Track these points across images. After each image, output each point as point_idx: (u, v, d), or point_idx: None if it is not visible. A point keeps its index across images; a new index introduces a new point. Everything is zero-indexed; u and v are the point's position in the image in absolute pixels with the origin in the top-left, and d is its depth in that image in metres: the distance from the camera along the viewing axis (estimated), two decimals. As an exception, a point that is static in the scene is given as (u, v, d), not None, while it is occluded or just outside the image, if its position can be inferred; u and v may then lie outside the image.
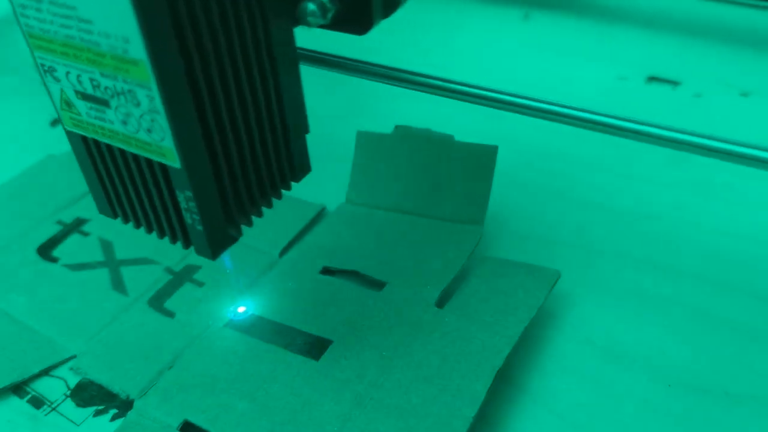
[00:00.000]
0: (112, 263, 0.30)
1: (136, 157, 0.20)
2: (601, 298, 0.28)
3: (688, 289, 0.28)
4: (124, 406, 0.25)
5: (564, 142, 0.36)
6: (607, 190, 0.33)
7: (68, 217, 0.33)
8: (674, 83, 0.40)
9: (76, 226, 0.32)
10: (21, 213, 0.33)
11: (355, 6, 0.21)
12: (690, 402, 0.24)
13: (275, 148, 0.22)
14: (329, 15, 0.21)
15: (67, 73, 0.19)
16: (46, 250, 0.31)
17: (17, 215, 0.33)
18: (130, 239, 0.31)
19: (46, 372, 0.26)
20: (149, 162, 0.20)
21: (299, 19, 0.21)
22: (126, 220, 0.22)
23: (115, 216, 0.23)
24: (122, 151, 0.20)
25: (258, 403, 0.24)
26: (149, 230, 0.22)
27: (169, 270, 0.30)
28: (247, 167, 0.21)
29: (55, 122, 0.41)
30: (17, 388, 0.26)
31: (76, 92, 0.19)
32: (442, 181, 0.30)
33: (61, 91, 0.20)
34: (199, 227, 0.20)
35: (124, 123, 0.19)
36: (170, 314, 0.28)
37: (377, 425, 0.23)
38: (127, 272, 0.30)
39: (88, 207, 0.33)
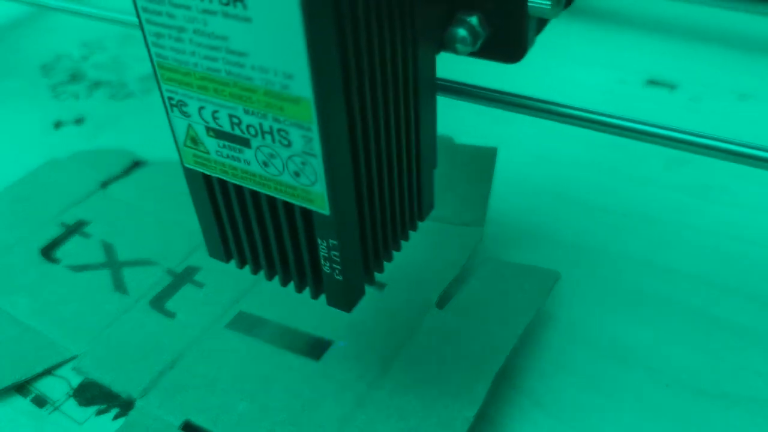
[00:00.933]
0: (113, 265, 0.31)
1: (272, 200, 0.18)
2: (600, 300, 0.28)
3: (687, 291, 0.28)
4: (126, 405, 0.25)
5: (563, 145, 0.36)
6: (607, 192, 0.33)
7: (70, 219, 0.33)
8: (672, 86, 0.41)
9: (78, 228, 0.33)
10: (23, 215, 0.33)
11: (508, 31, 0.19)
12: (688, 403, 0.24)
13: (410, 188, 0.20)
14: (479, 42, 0.19)
15: (201, 108, 0.17)
16: (48, 252, 0.31)
17: (20, 217, 0.33)
18: (131, 241, 0.32)
19: (48, 372, 0.27)
20: (288, 206, 0.18)
21: (445, 46, 0.19)
22: (241, 265, 0.21)
23: (228, 260, 0.21)
24: (254, 194, 0.19)
25: (259, 403, 0.24)
26: (270, 277, 0.21)
27: (170, 271, 0.30)
28: (386, 212, 0.20)
29: (57, 125, 0.41)
30: (20, 388, 0.26)
31: (208, 129, 0.18)
32: (442, 182, 0.30)
33: (189, 127, 0.18)
34: (339, 277, 0.19)
35: (265, 164, 0.17)
36: (171, 315, 0.28)
37: (378, 426, 0.23)
38: (128, 273, 0.30)
39: (89, 209, 0.33)
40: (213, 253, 0.21)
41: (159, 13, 0.16)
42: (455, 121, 0.32)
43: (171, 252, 0.31)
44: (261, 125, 0.17)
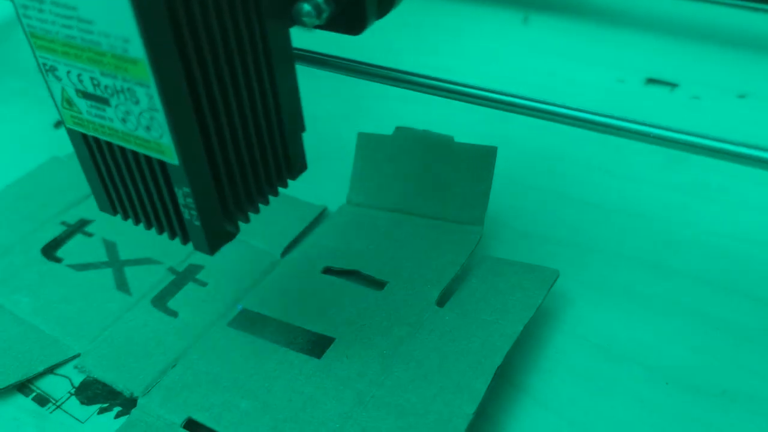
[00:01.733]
0: (115, 263, 0.31)
1: (135, 154, 0.20)
2: (599, 298, 0.28)
3: (684, 289, 0.28)
4: (128, 404, 0.25)
5: (563, 144, 0.36)
6: (605, 191, 0.33)
7: (72, 218, 0.33)
8: (672, 85, 0.41)
9: (80, 226, 0.33)
10: (25, 214, 0.34)
11: (350, 7, 0.21)
12: (686, 400, 0.24)
13: (271, 145, 0.22)
14: (324, 15, 0.21)
15: (68, 72, 0.19)
16: (50, 251, 0.32)
17: (22, 216, 0.33)
18: (134, 240, 0.32)
19: (50, 370, 0.27)
20: (148, 159, 0.20)
21: (295, 20, 0.21)
22: (125, 217, 0.23)
23: (114, 213, 0.23)
24: (122, 149, 0.21)
25: (260, 401, 0.24)
26: (148, 226, 0.23)
27: (172, 270, 0.30)
28: (243, 164, 0.21)
29: (58, 124, 0.41)
30: (22, 387, 0.26)
31: (77, 91, 0.20)
32: (442, 181, 0.30)
33: (63, 89, 0.20)
34: (197, 223, 0.20)
35: (124, 121, 0.19)
36: (173, 314, 0.28)
37: (378, 423, 0.23)
38: (130, 272, 0.30)
39: (91, 208, 0.34)
40: (102, 207, 0.23)
41: None
42: (455, 121, 0.32)
43: (173, 251, 0.31)
44: (115, 85, 0.19)
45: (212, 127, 0.20)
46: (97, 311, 0.28)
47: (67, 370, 0.27)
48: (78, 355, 0.27)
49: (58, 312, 0.29)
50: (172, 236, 0.22)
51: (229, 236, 0.22)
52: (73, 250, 0.32)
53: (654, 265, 0.29)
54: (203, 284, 0.29)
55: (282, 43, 0.21)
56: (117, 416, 0.25)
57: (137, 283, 0.30)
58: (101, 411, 0.25)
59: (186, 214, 0.21)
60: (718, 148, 0.20)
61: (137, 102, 0.19)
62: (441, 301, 0.27)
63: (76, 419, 0.25)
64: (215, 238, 0.21)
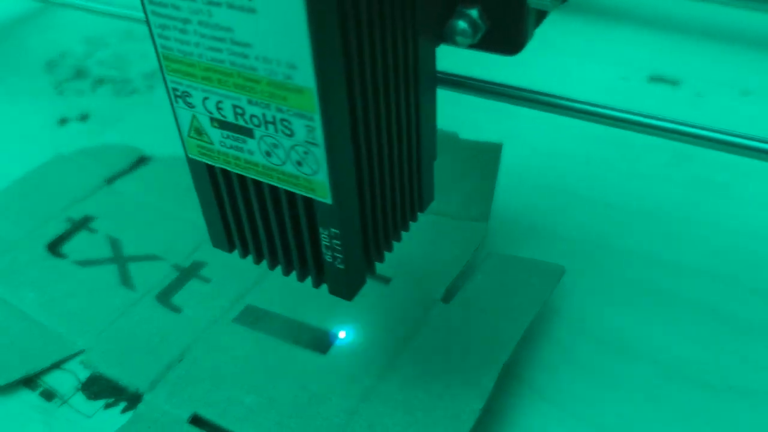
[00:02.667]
0: (120, 260, 0.31)
1: (274, 189, 0.19)
2: (605, 294, 0.28)
3: (691, 285, 0.28)
4: (134, 399, 0.25)
5: (567, 141, 0.36)
6: (611, 188, 0.33)
7: (76, 215, 0.33)
8: (675, 83, 0.41)
9: (84, 223, 0.33)
10: (30, 211, 0.34)
11: (507, 23, 0.20)
12: (694, 396, 0.24)
13: (410, 178, 0.21)
14: (479, 35, 0.19)
15: (205, 99, 0.18)
16: (55, 247, 0.32)
17: (26, 213, 0.33)
18: (138, 236, 0.32)
19: (56, 366, 0.27)
20: (290, 196, 0.18)
21: (446, 38, 0.20)
22: (244, 255, 0.21)
23: (231, 249, 0.21)
24: (257, 183, 0.19)
25: (266, 396, 0.24)
26: (272, 266, 0.21)
27: (176, 266, 0.30)
28: (387, 202, 0.20)
29: (63, 122, 0.41)
30: (29, 382, 0.26)
31: (212, 120, 0.18)
32: (448, 178, 0.30)
33: (193, 117, 0.18)
34: (341, 266, 0.19)
35: (268, 154, 0.17)
36: (178, 310, 0.28)
37: (385, 419, 0.23)
38: (134, 268, 0.30)
39: (96, 204, 0.34)
40: (216, 243, 0.21)
41: (164, 5, 0.17)
42: (460, 117, 0.32)
43: (177, 247, 0.31)
44: (264, 115, 0.17)
45: (365, 163, 0.18)
46: (102, 307, 0.28)
47: (73, 365, 0.27)
48: (83, 351, 0.27)
49: (63, 308, 0.29)
50: (303, 278, 0.20)
51: (365, 280, 0.20)
52: (78, 246, 0.32)
53: (660, 260, 0.29)
54: (207, 280, 0.29)
55: (429, 65, 0.20)
56: (123, 411, 0.25)
57: (141, 279, 0.30)
58: (107, 406, 0.25)
59: (328, 257, 0.19)
60: (726, 141, 0.20)
61: (291, 135, 0.17)
62: (447, 297, 0.27)
63: (83, 414, 0.25)
64: (355, 282, 0.20)
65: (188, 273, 0.30)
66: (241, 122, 0.17)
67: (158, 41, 0.17)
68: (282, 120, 0.17)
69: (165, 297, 0.29)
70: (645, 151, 0.35)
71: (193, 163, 0.19)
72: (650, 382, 0.25)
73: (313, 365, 0.25)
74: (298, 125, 0.16)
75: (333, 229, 0.18)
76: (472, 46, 0.20)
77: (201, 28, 0.16)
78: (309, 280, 0.21)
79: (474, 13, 0.20)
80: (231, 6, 0.15)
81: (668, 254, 0.30)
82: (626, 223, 0.31)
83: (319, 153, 0.17)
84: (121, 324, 0.28)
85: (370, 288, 0.28)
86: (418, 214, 0.22)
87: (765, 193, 0.33)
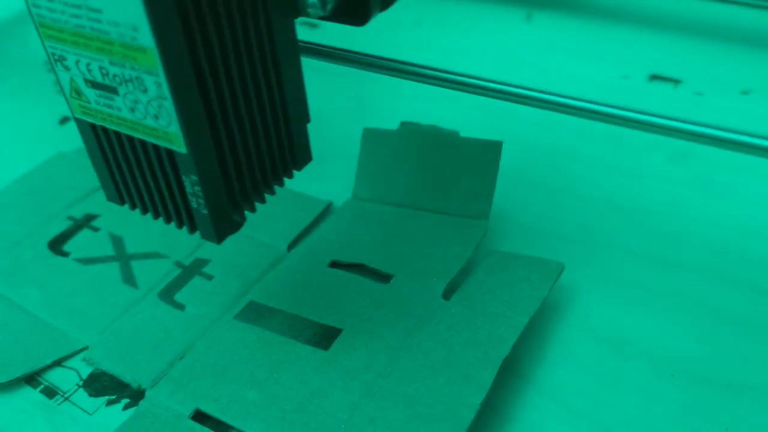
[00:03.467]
0: (122, 257, 0.31)
1: (143, 143, 0.21)
2: (604, 291, 0.28)
3: (689, 282, 0.28)
4: (136, 395, 0.25)
5: (568, 139, 0.36)
6: (610, 186, 0.34)
7: (78, 213, 0.33)
8: (676, 81, 0.41)
9: (87, 221, 0.33)
10: (32, 209, 0.34)
11: None
12: (692, 392, 0.24)
13: (277, 135, 0.23)
14: (329, 7, 0.21)
15: (77, 61, 0.20)
16: (57, 245, 0.32)
17: (29, 211, 0.34)
18: (140, 234, 0.32)
19: (58, 363, 0.27)
20: (156, 148, 0.20)
21: (300, 11, 0.21)
22: (133, 207, 0.23)
23: (122, 203, 0.23)
24: (130, 138, 0.21)
25: (268, 392, 0.24)
26: (155, 216, 0.23)
27: (178, 263, 0.30)
28: (249, 153, 0.22)
29: (64, 120, 0.41)
30: (31, 379, 0.26)
31: (86, 80, 0.20)
32: (448, 176, 0.31)
33: (71, 79, 0.20)
34: (204, 211, 0.21)
35: (132, 110, 0.19)
36: (180, 306, 0.28)
37: (386, 413, 0.23)
38: (137, 266, 0.30)
39: (98, 202, 0.34)
40: (109, 198, 0.23)
41: None
42: (460, 116, 0.33)
43: (179, 245, 0.31)
44: (123, 74, 0.19)
45: (219, 116, 0.20)
46: (105, 304, 0.29)
47: (75, 362, 0.27)
48: (86, 348, 0.27)
49: (65, 305, 0.29)
50: (180, 225, 0.22)
51: (236, 225, 0.22)
52: (80, 244, 0.32)
53: (659, 258, 0.29)
54: (209, 277, 0.30)
55: (287, 34, 0.21)
56: (125, 408, 0.25)
57: (144, 276, 0.30)
58: (109, 403, 0.25)
59: (194, 203, 0.21)
60: (725, 138, 0.20)
61: (145, 91, 0.19)
62: (447, 294, 0.27)
63: (85, 411, 0.25)
64: (223, 226, 0.21)
65: (190, 270, 0.30)
66: (107, 82, 0.19)
67: (33, 10, 0.19)
68: (136, 78, 0.19)
69: (167, 294, 0.29)
70: (644, 150, 0.35)
71: (79, 123, 0.22)
72: (649, 378, 0.25)
73: (314, 361, 0.25)
74: (150, 82, 0.18)
75: (192, 176, 0.20)
76: (323, 18, 0.22)
77: None
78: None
79: None
80: None
81: (667, 252, 0.30)
82: (625, 221, 0.32)
83: (170, 106, 0.18)
84: (124, 321, 0.28)
85: (370, 285, 0.28)
86: (296, 172, 0.24)
87: (764, 191, 0.33)
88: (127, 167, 0.22)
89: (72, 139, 0.39)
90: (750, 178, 0.33)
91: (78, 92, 0.21)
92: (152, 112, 0.19)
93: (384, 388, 0.24)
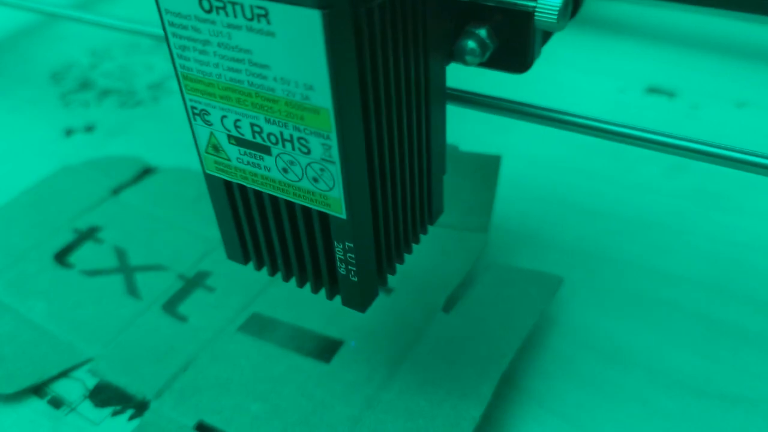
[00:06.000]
0: (126, 269, 0.31)
1: (290, 205, 0.19)
2: (602, 304, 0.29)
3: (686, 295, 0.29)
4: (141, 407, 0.26)
5: (566, 153, 0.37)
6: (608, 199, 0.34)
7: (83, 225, 0.34)
8: (672, 94, 0.41)
9: (91, 233, 0.33)
10: (37, 222, 0.34)
11: (515, 43, 0.20)
12: (688, 404, 0.25)
13: (420, 193, 0.21)
14: (488, 53, 0.20)
15: (223, 117, 0.18)
16: (62, 257, 0.32)
17: (34, 224, 0.34)
18: (143, 246, 0.32)
19: (64, 374, 0.27)
20: (306, 211, 0.19)
21: (455, 57, 0.20)
22: (259, 267, 0.22)
23: (246, 262, 0.22)
24: (273, 199, 0.19)
25: (271, 404, 0.25)
26: (287, 278, 0.21)
27: (181, 276, 0.31)
28: (399, 216, 0.20)
29: (69, 133, 0.42)
30: (37, 390, 0.27)
31: (230, 137, 0.18)
32: (448, 190, 0.31)
33: (211, 134, 0.19)
34: (354, 279, 0.19)
35: (285, 171, 0.18)
36: (183, 319, 0.29)
37: (387, 426, 0.23)
38: (140, 278, 0.31)
39: (102, 215, 0.34)
40: (231, 256, 0.22)
41: (185, 27, 0.17)
42: (460, 130, 0.33)
43: (182, 257, 0.31)
44: (282, 134, 0.17)
45: (379, 179, 0.19)
46: (110, 316, 0.29)
47: (81, 373, 0.27)
48: (91, 359, 0.28)
49: (71, 317, 0.29)
50: (316, 290, 0.21)
51: (378, 292, 0.21)
52: (85, 256, 0.32)
53: (656, 270, 0.30)
54: (212, 290, 0.30)
55: (440, 82, 0.20)
56: (130, 419, 0.26)
57: (147, 288, 0.30)
58: (114, 414, 0.26)
59: (342, 269, 0.19)
60: (719, 154, 0.21)
61: (308, 153, 0.17)
62: (447, 307, 0.28)
63: (91, 421, 0.26)
64: (368, 294, 0.20)
65: (193, 283, 0.30)
66: (258, 140, 0.18)
67: (178, 61, 0.18)
68: (299, 138, 0.17)
69: (171, 306, 0.29)
70: (641, 162, 0.36)
71: (210, 179, 0.20)
72: (646, 390, 0.25)
73: (316, 374, 0.26)
74: (315, 143, 0.17)
75: (347, 243, 0.19)
76: (481, 65, 0.21)
77: (221, 49, 0.17)
78: (320, 293, 0.21)
79: (483, 32, 0.20)
80: (250, 29, 0.16)
81: (664, 264, 0.30)
82: (623, 234, 0.32)
83: (335, 170, 0.17)
84: (128, 333, 0.28)
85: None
86: (428, 226, 0.23)
87: (759, 203, 0.33)
88: (262, 228, 0.20)
89: (76, 152, 0.40)
90: (744, 192, 0.34)
91: (216, 148, 0.19)
92: (311, 175, 0.18)
93: (385, 401, 0.24)
